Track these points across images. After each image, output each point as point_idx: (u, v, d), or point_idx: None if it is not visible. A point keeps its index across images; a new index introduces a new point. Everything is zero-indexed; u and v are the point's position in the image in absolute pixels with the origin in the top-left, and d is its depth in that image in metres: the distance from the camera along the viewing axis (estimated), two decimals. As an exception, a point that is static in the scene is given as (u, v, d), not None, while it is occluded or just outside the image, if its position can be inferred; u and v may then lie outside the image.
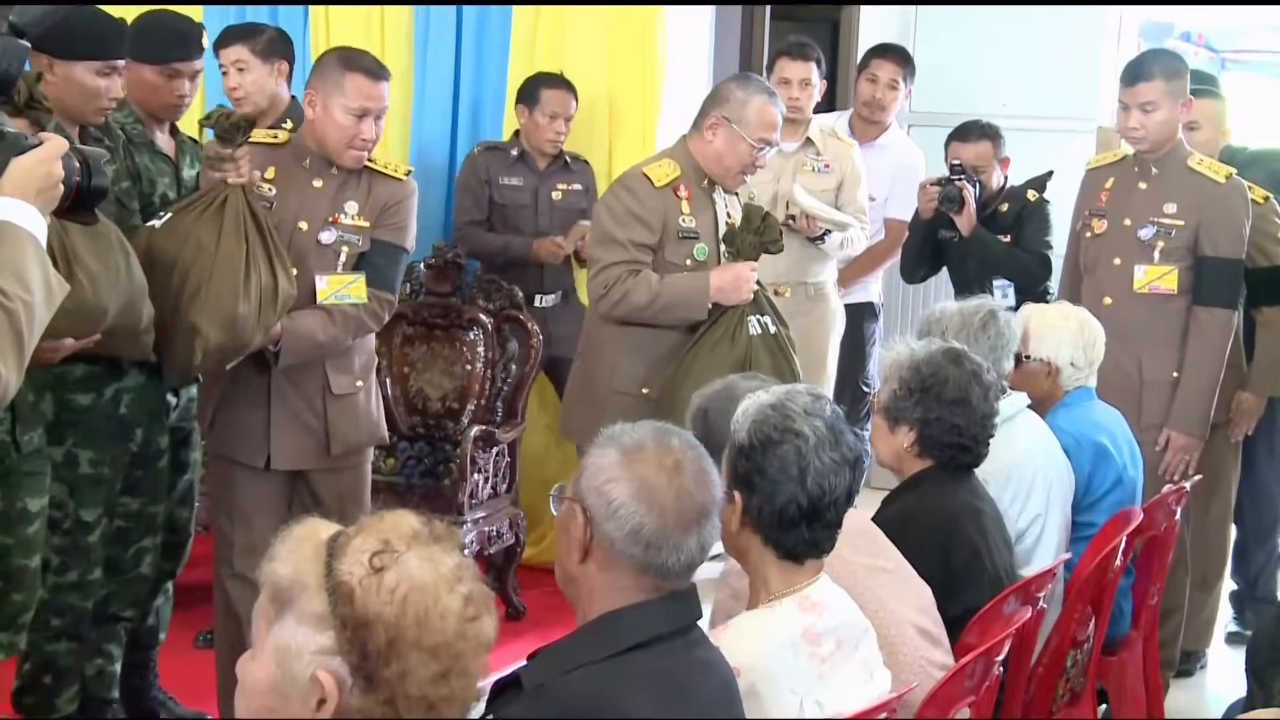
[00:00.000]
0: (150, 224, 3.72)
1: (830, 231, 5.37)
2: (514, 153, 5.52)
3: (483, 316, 5.41)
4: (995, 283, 5.20)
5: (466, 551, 1.78)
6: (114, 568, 3.94)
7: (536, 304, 5.51)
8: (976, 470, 3.38)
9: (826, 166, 5.52)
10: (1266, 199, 4.85)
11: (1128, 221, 4.63)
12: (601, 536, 2.10)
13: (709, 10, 6.16)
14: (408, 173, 4.07)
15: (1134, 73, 4.58)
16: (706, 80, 6.17)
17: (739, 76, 4.52)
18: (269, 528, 1.81)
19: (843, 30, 7.79)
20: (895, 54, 6.02)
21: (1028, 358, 4.01)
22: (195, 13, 5.49)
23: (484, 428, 5.20)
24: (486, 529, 5.11)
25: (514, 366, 5.41)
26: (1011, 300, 4.99)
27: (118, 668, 4.10)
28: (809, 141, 5.50)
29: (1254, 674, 2.96)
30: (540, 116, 5.43)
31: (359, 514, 4.00)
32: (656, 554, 2.09)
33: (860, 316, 5.94)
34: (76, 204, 2.61)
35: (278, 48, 4.82)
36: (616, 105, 5.65)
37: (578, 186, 5.55)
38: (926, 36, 7.01)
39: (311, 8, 5.87)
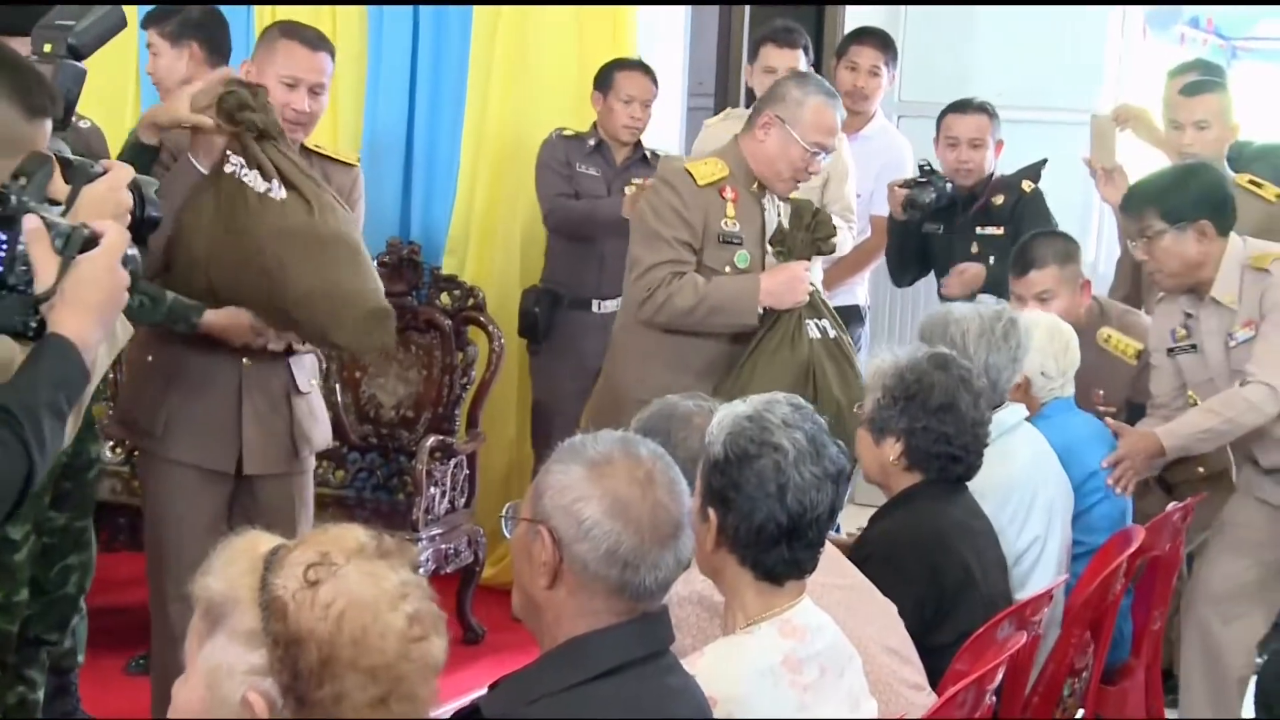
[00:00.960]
0: (266, 192, 3.64)
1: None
2: (591, 143, 5.50)
3: (440, 318, 5.40)
4: None
5: (422, 571, 1.77)
6: (37, 588, 3.91)
7: (594, 309, 5.40)
8: (972, 485, 3.38)
9: (812, 161, 5.51)
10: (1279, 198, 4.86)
11: None
12: (573, 559, 2.08)
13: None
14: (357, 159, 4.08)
15: (1024, 262, 4.54)
16: (682, 72, 6.17)
17: (798, 75, 4.53)
18: (217, 540, 1.79)
19: (828, 15, 7.79)
20: (875, 38, 6.01)
21: None
22: (133, 12, 5.51)
23: (441, 438, 5.18)
24: (443, 547, 5.09)
25: (474, 372, 5.40)
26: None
27: (41, 695, 4.06)
28: (793, 135, 5.49)
29: (1263, 704, 2.98)
30: (615, 101, 5.42)
31: (308, 516, 4.02)
32: (634, 573, 2.07)
33: (845, 320, 5.89)
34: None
35: (188, 30, 4.77)
36: (586, 92, 5.63)
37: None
38: (917, 20, 7.00)
39: (256, 7, 5.82)
